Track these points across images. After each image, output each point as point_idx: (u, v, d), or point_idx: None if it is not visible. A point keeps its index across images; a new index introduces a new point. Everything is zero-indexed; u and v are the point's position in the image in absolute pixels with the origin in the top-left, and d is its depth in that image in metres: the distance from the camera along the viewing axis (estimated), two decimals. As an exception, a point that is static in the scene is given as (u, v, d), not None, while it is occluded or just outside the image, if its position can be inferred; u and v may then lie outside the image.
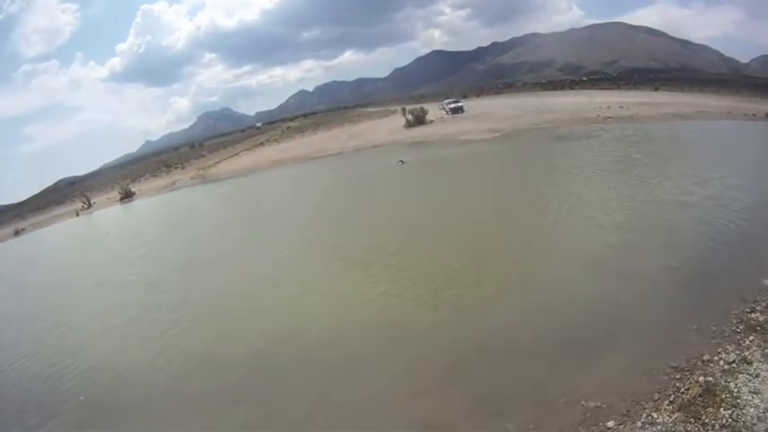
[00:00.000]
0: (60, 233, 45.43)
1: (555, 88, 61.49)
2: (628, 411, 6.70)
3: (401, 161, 27.80)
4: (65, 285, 20.88)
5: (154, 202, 48.05)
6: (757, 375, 6.56)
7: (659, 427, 6.23)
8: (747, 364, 6.85)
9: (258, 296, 14.02)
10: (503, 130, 33.78)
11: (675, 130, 25.11)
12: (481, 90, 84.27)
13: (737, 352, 7.18)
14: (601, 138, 24.78)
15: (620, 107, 31.43)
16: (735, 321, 7.99)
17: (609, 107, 32.24)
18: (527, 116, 36.37)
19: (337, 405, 8.32)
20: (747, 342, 7.37)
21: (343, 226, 19.00)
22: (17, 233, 58.09)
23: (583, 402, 7.09)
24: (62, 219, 54.93)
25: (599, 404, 6.98)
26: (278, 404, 8.60)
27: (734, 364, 6.93)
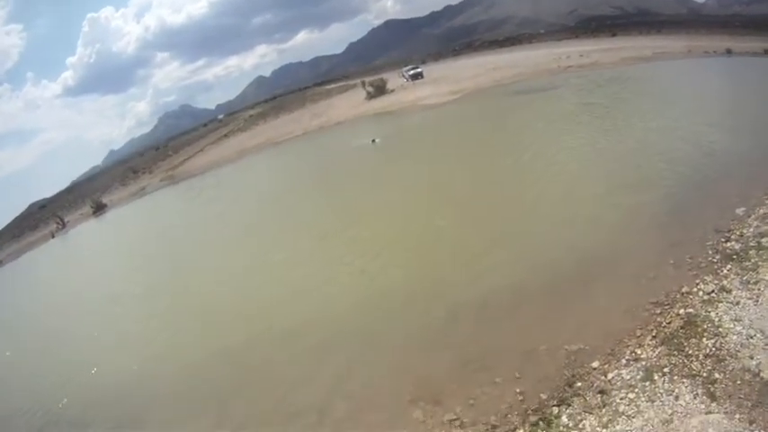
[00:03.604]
0: (37, 259, 43.65)
1: (513, 44, 61.06)
2: (612, 350, 6.64)
3: (374, 140, 27.03)
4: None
5: (126, 211, 46.79)
6: (737, 303, 6.51)
7: (644, 362, 6.15)
8: (727, 292, 6.79)
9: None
10: (464, 90, 33.54)
11: (637, 72, 25.17)
12: (439, 54, 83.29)
13: (716, 282, 7.12)
14: (562, 88, 24.68)
15: (581, 56, 31.35)
16: (711, 252, 7.96)
17: (569, 57, 32.13)
18: (487, 74, 36.10)
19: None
20: (725, 271, 7.30)
21: (325, 213, 18.16)
22: None
23: (566, 347, 7.02)
24: (37, 244, 53.21)
25: (582, 346, 6.92)
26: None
27: (713, 294, 6.87)
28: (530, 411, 6.13)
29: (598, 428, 5.40)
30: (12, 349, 16.54)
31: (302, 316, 10.66)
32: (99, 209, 54.18)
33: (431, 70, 50.75)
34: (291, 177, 28.05)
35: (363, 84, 50.10)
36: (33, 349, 15.82)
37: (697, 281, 7.32)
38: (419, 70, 50.63)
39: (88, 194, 68.20)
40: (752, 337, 5.82)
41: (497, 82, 32.23)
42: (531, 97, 24.84)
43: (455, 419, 6.50)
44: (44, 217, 76.43)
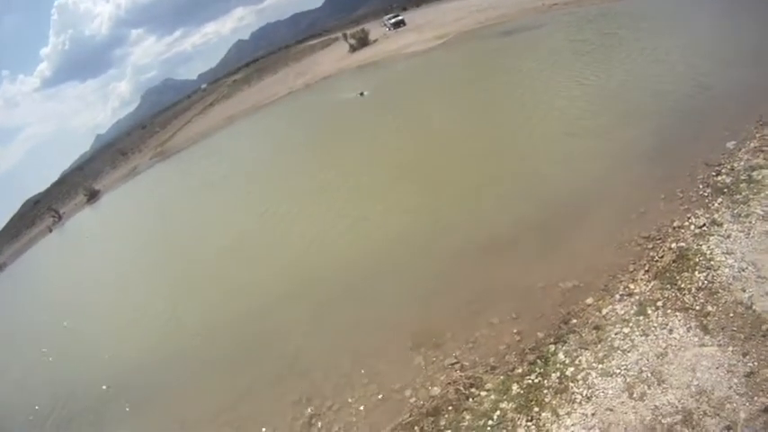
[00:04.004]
0: (38, 256, 44.33)
1: None
2: (605, 286, 6.77)
3: (361, 93, 26.84)
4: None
5: (120, 193, 47.16)
6: (728, 236, 6.57)
7: (637, 297, 6.28)
8: (718, 226, 6.84)
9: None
10: (448, 34, 32.78)
11: (628, 7, 24.34)
12: (421, 0, 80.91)
13: (707, 215, 7.17)
14: (548, 26, 24.00)
15: None
16: (701, 186, 7.97)
17: None
18: (470, 16, 35.14)
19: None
20: (716, 205, 7.33)
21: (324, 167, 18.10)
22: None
23: (560, 284, 7.19)
24: (36, 240, 52.88)
25: (576, 284, 7.08)
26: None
27: (704, 228, 6.93)
28: (527, 350, 6.31)
29: (594, 364, 5.57)
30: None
31: (308, 270, 11.33)
32: (92, 196, 54.14)
33: (413, 17, 49.54)
34: (283, 137, 28.08)
35: (345, 36, 49.33)
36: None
37: (688, 215, 7.37)
38: (400, 18, 49.52)
39: (80, 183, 67.57)
40: (744, 270, 5.90)
41: (482, 24, 31.41)
42: (516, 37, 24.27)
43: (455, 363, 6.74)
44: (39, 212, 76.00)
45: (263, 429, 7.41)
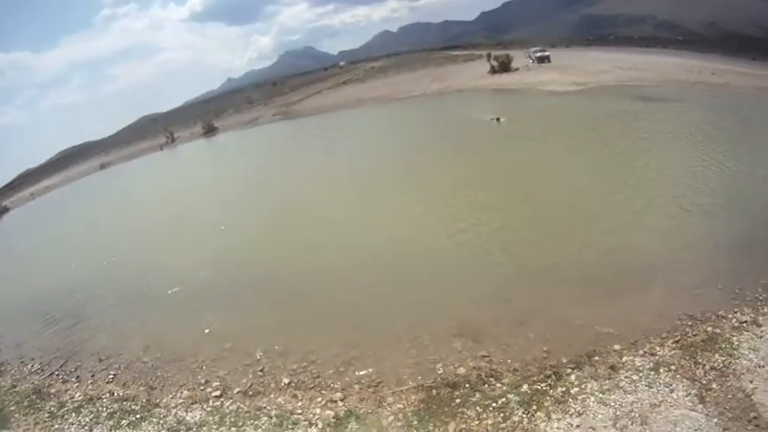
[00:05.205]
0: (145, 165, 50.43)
1: (648, 45, 56.73)
2: (635, 341, 7.63)
3: (497, 119, 26.19)
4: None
5: (238, 137, 50.76)
6: (761, 337, 7.20)
7: (657, 357, 7.13)
8: (757, 326, 7.47)
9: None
10: (587, 84, 32.23)
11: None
12: (571, 41, 78.97)
13: (752, 315, 7.77)
14: (685, 102, 23.58)
15: (712, 74, 29.30)
16: (760, 290, 8.44)
17: (701, 72, 30.11)
18: (614, 72, 34.48)
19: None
20: (765, 309, 7.88)
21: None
22: (102, 167, 62.41)
23: (598, 327, 8.10)
24: (145, 153, 58.42)
25: (611, 331, 7.98)
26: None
27: (744, 324, 7.56)
28: (548, 366, 7.37)
29: (596, 392, 6.60)
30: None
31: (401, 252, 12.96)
32: (210, 130, 57.91)
33: (559, 56, 48.78)
34: (410, 137, 28.91)
35: (489, 56, 49.13)
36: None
37: (736, 309, 7.97)
38: (547, 54, 48.99)
39: (201, 116, 71.31)
40: (760, 367, 6.59)
41: (622, 83, 30.87)
42: (652, 106, 23.68)
43: (486, 356, 8.02)
44: (154, 129, 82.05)
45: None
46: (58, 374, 11.16)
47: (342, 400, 7.74)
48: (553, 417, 6.32)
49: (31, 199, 59.24)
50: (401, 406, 7.27)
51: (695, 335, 7.51)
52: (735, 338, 7.22)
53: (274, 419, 7.69)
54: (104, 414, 9.11)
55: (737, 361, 6.77)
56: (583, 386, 6.75)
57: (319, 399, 7.94)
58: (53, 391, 10.48)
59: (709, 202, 12.39)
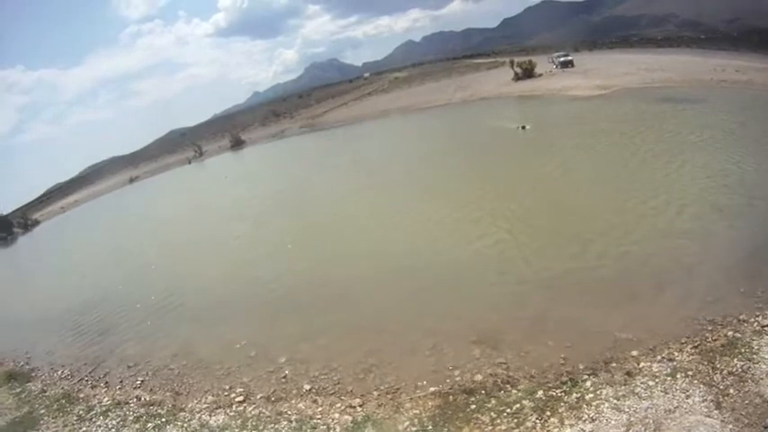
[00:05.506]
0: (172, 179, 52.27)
1: (671, 45, 55.56)
2: (653, 347, 7.57)
3: (523, 127, 26.07)
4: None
5: (265, 150, 51.72)
6: (783, 341, 7.04)
7: (675, 363, 7.08)
8: (780, 330, 7.30)
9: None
10: (612, 87, 31.85)
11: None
12: (593, 44, 77.99)
13: (775, 319, 7.59)
14: (710, 104, 22.99)
15: (736, 71, 28.60)
16: (784, 293, 8.25)
17: (724, 70, 29.44)
18: (638, 74, 33.90)
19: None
20: (788, 313, 7.69)
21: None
22: (131, 181, 64.35)
23: (617, 333, 8.08)
24: (173, 167, 59.82)
25: (630, 337, 7.93)
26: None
27: (766, 328, 7.41)
28: (564, 373, 7.40)
29: (611, 398, 6.59)
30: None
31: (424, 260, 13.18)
32: (237, 143, 59.37)
33: (583, 60, 48.35)
34: (434, 146, 29.12)
35: (512, 63, 48.99)
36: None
37: (757, 313, 7.81)
38: (570, 58, 48.65)
39: (228, 130, 73.17)
40: (781, 372, 6.47)
41: (647, 84, 30.42)
42: (677, 107, 23.34)
43: (503, 363, 8.09)
44: (182, 143, 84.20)
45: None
46: (87, 380, 11.69)
47: (360, 406, 7.92)
48: (566, 422, 6.34)
49: (61, 212, 61.41)
50: (417, 411, 7.39)
51: (715, 339, 7.41)
52: (755, 342, 7.10)
53: (294, 423, 7.92)
54: (131, 418, 9.50)
55: (757, 365, 6.65)
56: (598, 392, 6.74)
57: (339, 404, 8.14)
58: (82, 395, 10.97)
59: (735, 204, 12.10)
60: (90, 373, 11.97)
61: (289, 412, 8.30)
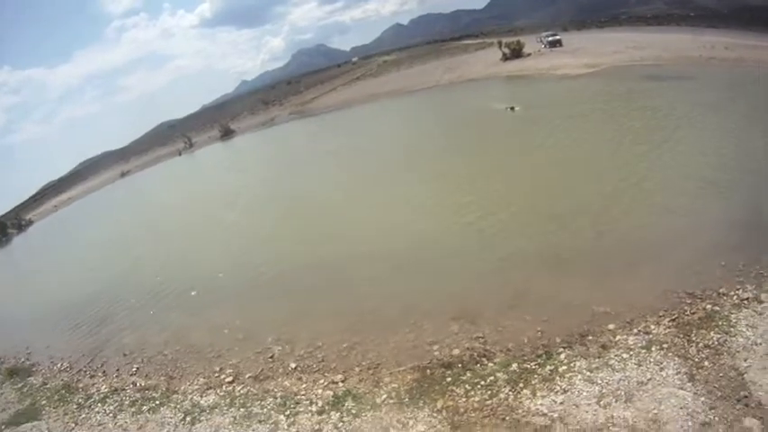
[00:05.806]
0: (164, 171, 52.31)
1: (660, 23, 54.67)
2: (630, 320, 7.61)
3: (512, 108, 25.67)
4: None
5: (255, 138, 51.89)
6: (761, 314, 7.03)
7: (651, 336, 7.11)
8: (758, 303, 7.28)
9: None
10: (600, 65, 31.42)
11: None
12: (582, 23, 76.99)
13: (755, 291, 7.58)
14: (698, 81, 22.61)
15: (726, 48, 28.05)
16: (764, 265, 8.22)
17: (713, 47, 28.93)
18: (627, 52, 33.31)
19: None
20: (768, 286, 7.70)
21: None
22: (123, 175, 64.64)
23: (594, 307, 8.11)
24: (164, 159, 59.97)
25: (608, 311, 7.98)
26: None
27: (745, 301, 7.40)
28: (539, 346, 7.48)
29: (584, 370, 6.67)
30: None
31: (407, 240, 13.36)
32: (227, 133, 59.30)
33: (571, 39, 47.61)
34: (422, 130, 29.18)
35: (500, 44, 48.30)
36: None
37: (738, 286, 7.79)
38: (558, 38, 48.00)
39: (217, 120, 72.68)
40: (757, 345, 6.45)
41: (635, 62, 29.92)
42: (663, 84, 22.98)
43: (481, 337, 8.20)
44: (172, 135, 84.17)
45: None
46: (85, 370, 12.00)
47: (342, 382, 8.13)
48: (538, 394, 6.42)
49: (55, 211, 61.96)
50: (396, 385, 7.56)
51: (693, 313, 7.41)
52: (733, 316, 7.08)
53: (279, 400, 8.18)
54: (127, 402, 9.83)
55: (734, 339, 6.65)
56: (571, 365, 6.81)
57: (322, 380, 8.37)
58: (81, 385, 11.28)
59: (720, 179, 11.97)
60: (88, 363, 12.27)
61: (275, 390, 8.55)
